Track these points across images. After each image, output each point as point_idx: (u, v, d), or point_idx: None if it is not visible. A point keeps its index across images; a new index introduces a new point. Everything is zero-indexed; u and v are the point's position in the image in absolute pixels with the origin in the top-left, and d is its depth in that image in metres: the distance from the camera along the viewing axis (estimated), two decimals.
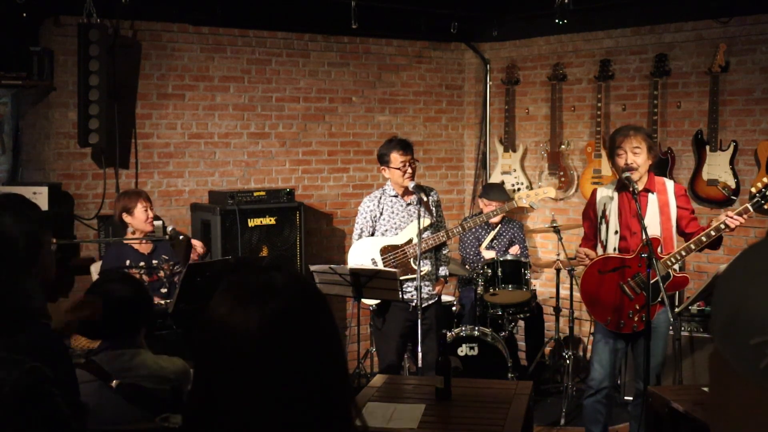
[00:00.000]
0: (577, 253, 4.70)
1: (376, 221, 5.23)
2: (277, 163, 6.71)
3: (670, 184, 4.61)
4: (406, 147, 5.12)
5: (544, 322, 6.68)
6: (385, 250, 5.18)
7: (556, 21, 5.96)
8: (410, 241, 5.12)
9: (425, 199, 5.01)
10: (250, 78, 6.55)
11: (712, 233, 4.35)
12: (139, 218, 5.21)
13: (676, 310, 5.32)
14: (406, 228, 5.18)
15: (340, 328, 6.73)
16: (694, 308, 5.59)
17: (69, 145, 5.82)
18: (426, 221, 5.11)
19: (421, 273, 4.99)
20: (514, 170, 7.30)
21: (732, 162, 6.05)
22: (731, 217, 4.30)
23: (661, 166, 6.34)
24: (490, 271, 5.98)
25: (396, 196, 5.22)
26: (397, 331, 5.16)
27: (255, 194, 6.08)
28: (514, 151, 7.33)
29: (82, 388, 2.64)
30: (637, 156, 4.45)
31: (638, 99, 6.62)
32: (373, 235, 5.25)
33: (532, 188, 7.24)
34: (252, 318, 1.24)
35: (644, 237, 4.31)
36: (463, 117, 7.72)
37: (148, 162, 6.16)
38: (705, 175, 6.15)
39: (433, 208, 5.23)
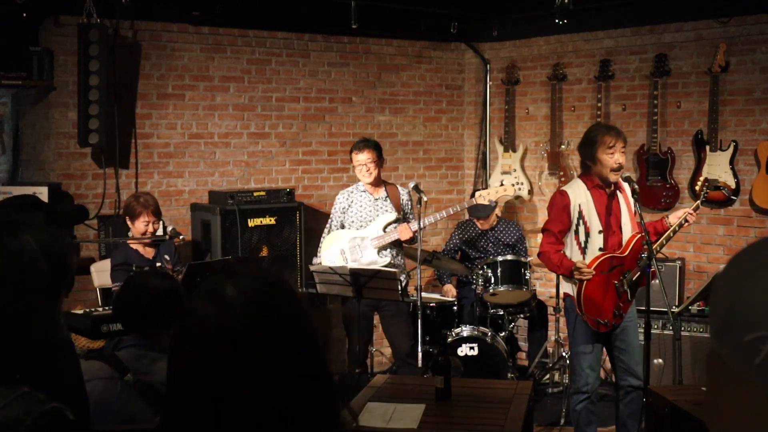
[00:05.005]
0: (580, 272, 4.47)
1: (344, 213, 5.61)
2: (277, 163, 6.72)
3: (625, 183, 4.61)
4: (363, 147, 5.45)
5: (548, 322, 6.67)
6: (352, 242, 5.54)
7: (556, 21, 5.97)
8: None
9: (425, 199, 5.10)
10: (250, 78, 6.56)
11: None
12: (138, 229, 5.23)
13: (676, 309, 5.32)
14: (373, 221, 5.54)
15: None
16: (694, 308, 5.59)
17: (69, 145, 5.82)
18: (392, 216, 5.50)
19: (382, 265, 5.38)
20: (514, 170, 7.30)
21: (732, 162, 6.05)
22: (690, 213, 4.63)
23: (661, 166, 6.34)
24: (489, 271, 5.99)
25: (365, 191, 5.58)
26: (362, 314, 5.40)
27: (255, 194, 6.08)
28: (514, 151, 7.33)
29: (99, 384, 2.66)
30: (623, 156, 4.51)
31: (638, 99, 6.62)
32: (343, 227, 5.61)
33: (531, 188, 7.25)
34: (220, 312, 1.24)
35: (645, 237, 4.35)
36: (463, 117, 7.72)
37: (148, 162, 6.16)
38: (705, 175, 6.15)
39: (404, 205, 5.62)
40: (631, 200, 4.59)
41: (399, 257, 5.62)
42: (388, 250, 5.53)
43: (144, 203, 5.23)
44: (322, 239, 5.73)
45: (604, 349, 4.76)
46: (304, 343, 1.28)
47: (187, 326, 1.28)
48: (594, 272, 4.47)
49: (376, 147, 5.50)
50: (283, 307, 1.29)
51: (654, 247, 4.43)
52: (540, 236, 4.82)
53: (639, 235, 4.50)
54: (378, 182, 5.57)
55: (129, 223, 5.27)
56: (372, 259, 5.48)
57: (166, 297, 2.90)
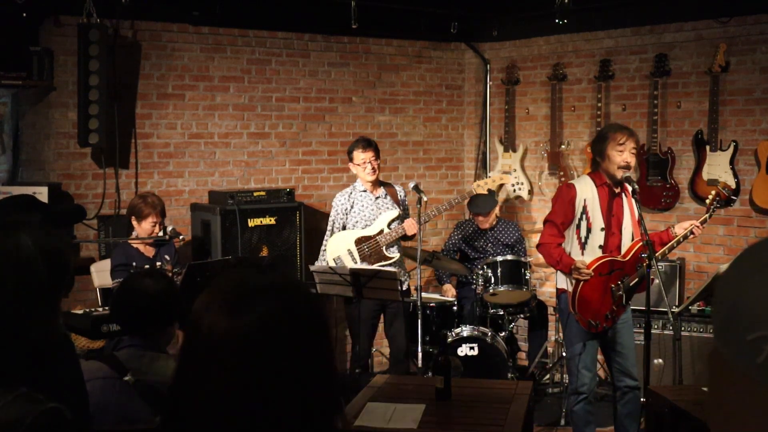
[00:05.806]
0: (579, 272, 4.47)
1: (347, 215, 5.64)
2: (277, 163, 6.71)
3: (625, 183, 4.60)
4: (367, 146, 5.53)
5: (548, 322, 6.67)
6: (359, 241, 5.58)
7: (556, 21, 5.97)
8: (381, 231, 5.56)
9: (425, 199, 5.14)
10: (250, 78, 6.55)
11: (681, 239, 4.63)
12: (144, 229, 5.27)
13: (676, 309, 5.32)
14: (376, 220, 5.60)
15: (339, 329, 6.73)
16: (694, 308, 5.59)
17: (69, 145, 5.82)
18: (395, 212, 5.59)
19: (392, 260, 5.50)
20: (514, 170, 7.30)
21: (732, 162, 6.05)
22: (697, 227, 4.60)
23: (661, 166, 6.34)
24: (489, 271, 5.99)
25: (365, 191, 5.64)
26: (369, 315, 5.53)
27: (255, 194, 6.08)
28: (514, 151, 7.33)
29: (98, 384, 2.66)
30: (633, 157, 4.50)
31: (638, 99, 6.62)
32: (344, 228, 5.65)
33: (531, 188, 7.25)
34: (234, 323, 1.22)
35: (645, 237, 4.35)
36: (463, 117, 7.72)
37: (148, 162, 6.16)
38: (705, 175, 6.15)
39: (402, 200, 5.75)
40: (633, 202, 4.59)
41: (401, 255, 5.68)
42: (395, 246, 5.62)
43: (152, 204, 5.27)
44: (325, 242, 5.71)
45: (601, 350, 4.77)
46: (314, 364, 1.25)
47: (199, 338, 1.25)
48: (592, 274, 4.47)
49: (376, 145, 5.64)
50: (299, 332, 1.25)
51: (656, 255, 4.43)
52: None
53: (642, 242, 4.49)
54: (377, 180, 5.65)
55: (135, 223, 5.29)
56: (381, 255, 5.56)
57: (162, 297, 2.90)
